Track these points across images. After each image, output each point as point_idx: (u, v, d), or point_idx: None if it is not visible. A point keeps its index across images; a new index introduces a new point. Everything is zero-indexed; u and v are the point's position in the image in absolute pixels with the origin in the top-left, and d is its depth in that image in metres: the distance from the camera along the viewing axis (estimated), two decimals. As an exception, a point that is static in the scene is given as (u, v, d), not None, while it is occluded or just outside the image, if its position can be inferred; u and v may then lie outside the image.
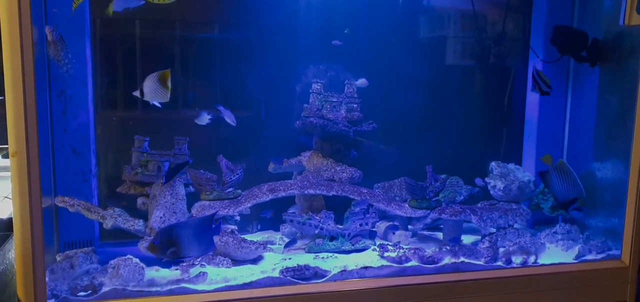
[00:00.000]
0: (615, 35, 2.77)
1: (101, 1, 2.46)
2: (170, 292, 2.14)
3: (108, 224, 2.45)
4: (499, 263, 2.51)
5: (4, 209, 2.49)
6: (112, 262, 2.23)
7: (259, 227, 2.90)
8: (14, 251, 1.97)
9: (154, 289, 2.15)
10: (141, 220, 2.53)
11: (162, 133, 2.79)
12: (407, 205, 2.80)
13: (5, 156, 2.95)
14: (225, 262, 2.40)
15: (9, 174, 1.90)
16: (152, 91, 2.30)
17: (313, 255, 2.55)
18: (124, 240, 2.58)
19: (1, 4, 1.79)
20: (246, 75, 3.00)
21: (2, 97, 1.86)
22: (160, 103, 2.43)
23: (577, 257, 2.60)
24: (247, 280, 2.24)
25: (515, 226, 2.76)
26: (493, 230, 2.73)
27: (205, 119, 2.63)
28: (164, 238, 2.17)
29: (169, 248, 2.16)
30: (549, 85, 2.55)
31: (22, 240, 1.90)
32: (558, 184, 2.65)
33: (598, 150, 2.90)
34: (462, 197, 2.97)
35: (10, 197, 1.92)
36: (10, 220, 2.10)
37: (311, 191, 2.71)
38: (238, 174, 2.70)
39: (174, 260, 2.23)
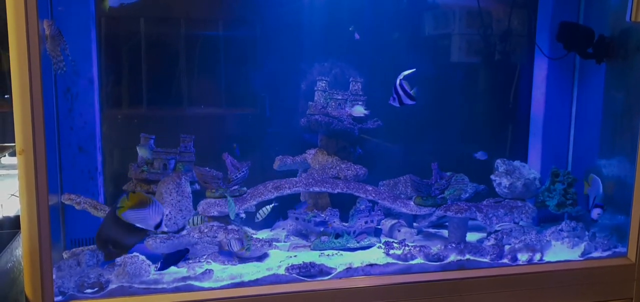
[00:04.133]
0: (621, 32, 2.76)
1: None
2: (177, 290, 2.15)
3: (114, 221, 2.46)
4: (505, 261, 2.51)
5: (11, 206, 2.51)
6: (118, 259, 2.24)
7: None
8: (21, 248, 1.98)
9: (160, 286, 2.16)
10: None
11: (168, 131, 2.79)
12: (412, 202, 2.80)
13: (12, 154, 2.96)
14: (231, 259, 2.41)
15: (16, 171, 1.91)
16: (141, 219, 2.21)
17: (318, 252, 2.55)
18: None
19: (8, 2, 1.80)
20: (251, 73, 3.01)
21: (8, 96, 1.87)
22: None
23: (582, 254, 2.59)
24: (253, 277, 2.24)
25: (521, 223, 2.76)
26: (498, 227, 2.73)
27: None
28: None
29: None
30: (412, 97, 2.54)
31: (30, 237, 1.91)
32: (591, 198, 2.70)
33: (604, 147, 2.90)
34: (467, 195, 2.97)
35: (18, 194, 1.93)
36: (17, 218, 2.11)
37: (316, 189, 2.71)
38: (243, 171, 2.70)
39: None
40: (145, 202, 2.17)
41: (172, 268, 2.32)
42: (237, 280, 2.23)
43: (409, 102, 2.55)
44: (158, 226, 2.21)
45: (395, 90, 2.54)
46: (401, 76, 2.52)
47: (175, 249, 2.38)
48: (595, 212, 2.61)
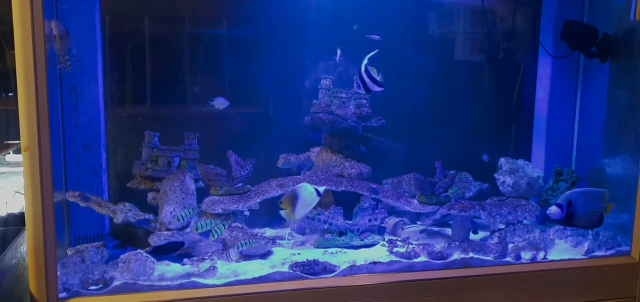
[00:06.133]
0: (625, 31, 2.75)
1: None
2: (181, 287, 2.15)
3: (118, 218, 2.47)
4: (508, 259, 2.51)
5: (16, 203, 2.52)
6: (122, 256, 2.25)
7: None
8: (26, 245, 1.99)
9: (164, 283, 2.16)
10: (151, 215, 2.54)
11: (173, 128, 2.80)
12: (416, 201, 2.80)
13: (17, 151, 2.97)
14: (234, 256, 2.42)
15: (20, 169, 1.92)
16: (306, 206, 2.31)
17: (322, 250, 2.56)
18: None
19: (14, 0, 1.81)
20: (255, 71, 3.01)
21: (13, 93, 1.88)
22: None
23: (586, 253, 2.59)
24: (257, 274, 2.25)
25: (524, 221, 2.76)
26: (502, 226, 2.73)
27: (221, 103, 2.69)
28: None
29: None
30: (379, 83, 2.46)
31: (34, 234, 1.92)
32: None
33: (608, 146, 2.89)
34: (471, 193, 2.96)
35: (22, 192, 1.94)
36: (22, 214, 2.12)
37: (320, 187, 2.72)
38: (247, 169, 2.71)
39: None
40: (292, 196, 2.27)
41: (176, 265, 2.33)
42: (241, 277, 2.23)
43: (376, 88, 2.48)
44: (318, 193, 2.31)
45: (360, 77, 2.47)
46: (365, 61, 2.45)
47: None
48: (550, 209, 2.45)
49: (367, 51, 2.93)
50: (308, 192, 2.27)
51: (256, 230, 2.68)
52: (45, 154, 1.91)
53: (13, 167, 2.98)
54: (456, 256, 2.45)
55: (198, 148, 2.74)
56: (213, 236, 2.33)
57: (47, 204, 1.93)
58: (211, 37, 2.97)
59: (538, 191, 2.89)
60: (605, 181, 2.83)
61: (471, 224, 2.74)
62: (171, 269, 2.30)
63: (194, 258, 2.34)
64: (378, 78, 2.47)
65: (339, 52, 2.83)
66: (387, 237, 2.71)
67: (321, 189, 2.32)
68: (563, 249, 2.67)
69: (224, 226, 2.36)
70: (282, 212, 2.28)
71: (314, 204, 2.33)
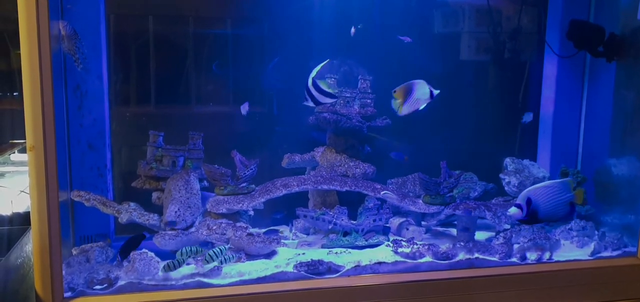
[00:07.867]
0: (632, 30, 2.74)
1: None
2: (185, 286, 2.15)
3: (123, 218, 2.47)
4: (514, 259, 2.50)
5: (21, 203, 2.52)
6: (126, 255, 2.25)
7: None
8: (31, 244, 1.99)
9: (169, 283, 2.16)
10: (156, 214, 2.55)
11: (177, 128, 2.80)
12: (421, 201, 2.79)
13: (22, 151, 2.98)
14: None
15: (26, 168, 1.92)
16: (416, 101, 2.33)
17: (327, 250, 2.55)
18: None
19: (20, 0, 1.81)
20: (259, 71, 3.01)
21: (18, 93, 1.88)
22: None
23: (592, 254, 2.57)
24: (261, 274, 2.24)
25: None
26: (507, 226, 2.72)
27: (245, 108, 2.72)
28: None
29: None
30: (329, 94, 2.41)
31: (40, 234, 1.93)
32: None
33: (614, 146, 2.88)
34: (476, 194, 2.95)
35: (28, 191, 1.94)
36: (27, 214, 2.12)
37: (325, 187, 2.71)
38: (252, 169, 2.71)
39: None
40: (408, 88, 2.32)
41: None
42: (246, 277, 2.23)
43: (327, 100, 2.47)
44: (432, 95, 2.35)
45: (307, 92, 2.44)
46: (312, 74, 2.43)
47: (184, 246, 2.39)
48: (510, 210, 2.38)
49: (370, 49, 2.94)
50: (423, 91, 2.27)
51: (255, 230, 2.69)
52: (51, 154, 1.91)
53: (18, 167, 2.99)
54: (461, 256, 2.44)
55: (203, 148, 2.74)
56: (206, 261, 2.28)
57: (52, 204, 1.93)
58: (216, 37, 2.97)
59: (543, 191, 2.88)
60: (612, 181, 2.82)
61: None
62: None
63: (199, 258, 2.34)
64: (328, 90, 2.45)
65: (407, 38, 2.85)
66: (391, 238, 2.70)
67: (436, 92, 2.30)
68: (569, 250, 2.66)
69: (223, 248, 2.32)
70: (392, 102, 2.26)
71: (424, 104, 2.31)
